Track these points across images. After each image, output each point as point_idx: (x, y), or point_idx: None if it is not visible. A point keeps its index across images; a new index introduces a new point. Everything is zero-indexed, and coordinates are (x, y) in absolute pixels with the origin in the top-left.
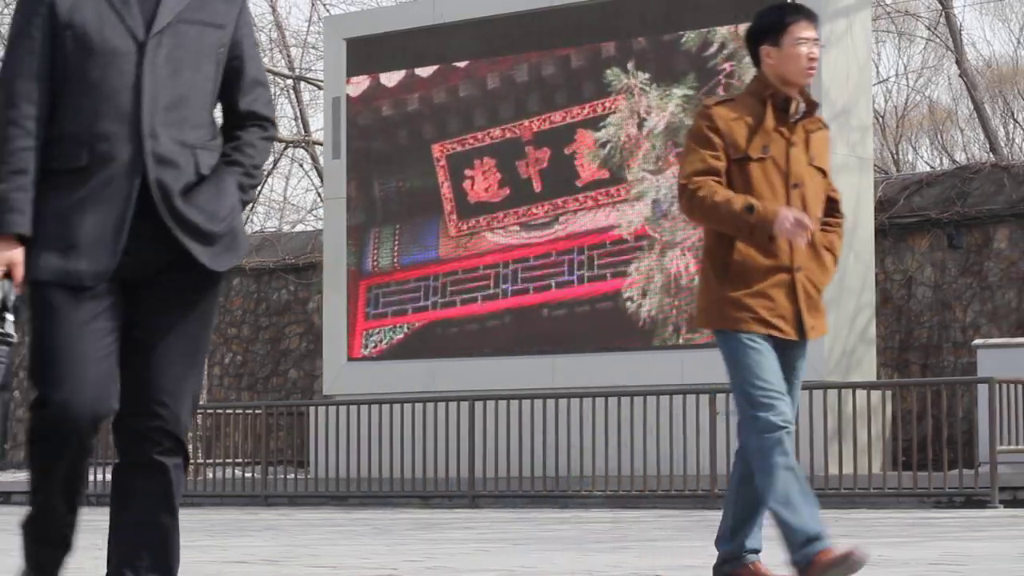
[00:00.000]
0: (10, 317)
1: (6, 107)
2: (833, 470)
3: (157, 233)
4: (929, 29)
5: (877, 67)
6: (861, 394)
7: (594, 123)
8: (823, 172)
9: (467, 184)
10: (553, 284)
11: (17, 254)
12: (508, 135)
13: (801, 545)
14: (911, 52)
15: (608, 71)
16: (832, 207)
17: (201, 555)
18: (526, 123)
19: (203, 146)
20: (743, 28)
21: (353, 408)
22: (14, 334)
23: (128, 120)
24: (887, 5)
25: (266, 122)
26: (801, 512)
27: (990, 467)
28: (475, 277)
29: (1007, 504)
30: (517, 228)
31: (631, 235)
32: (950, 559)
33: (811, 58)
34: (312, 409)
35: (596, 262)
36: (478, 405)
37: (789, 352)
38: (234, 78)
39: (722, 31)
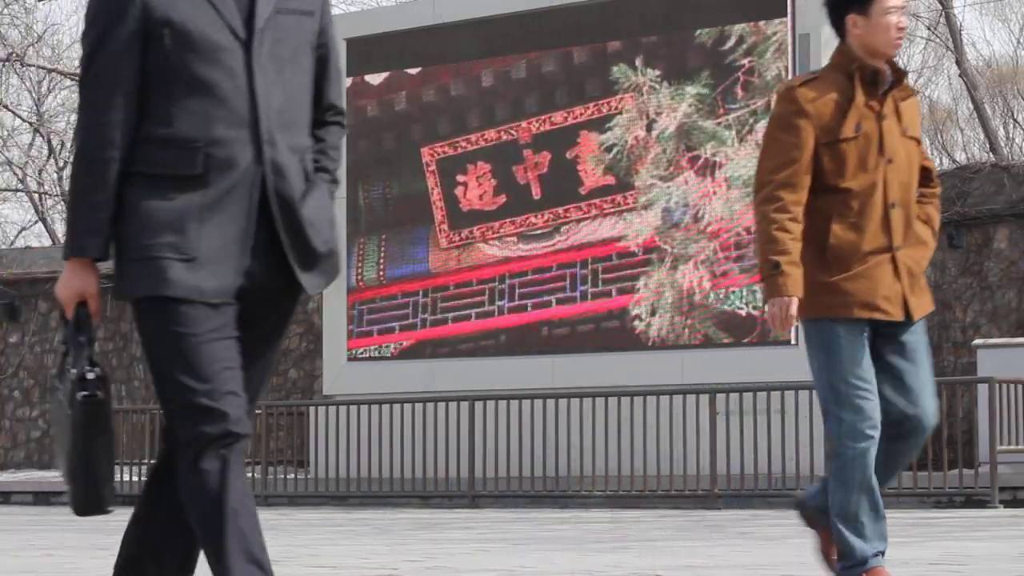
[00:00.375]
0: (91, 374)
1: (89, 113)
2: None
3: (267, 249)
4: (929, 29)
5: None
6: None
7: (599, 124)
8: (916, 141)
9: (459, 191)
10: (554, 301)
11: (90, 283)
12: (504, 137)
13: (851, 564)
14: (911, 52)
15: (614, 68)
16: (926, 177)
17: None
18: (524, 124)
19: (308, 150)
20: (763, 24)
21: (353, 408)
22: (98, 388)
23: (246, 125)
24: None
25: (343, 117)
26: (864, 531)
27: (990, 467)
28: (468, 293)
29: (1007, 504)
30: (514, 239)
31: (639, 247)
32: (950, 559)
33: (900, 28)
34: (312, 409)
35: (600, 277)
36: (478, 405)
37: (895, 335)
38: (322, 69)
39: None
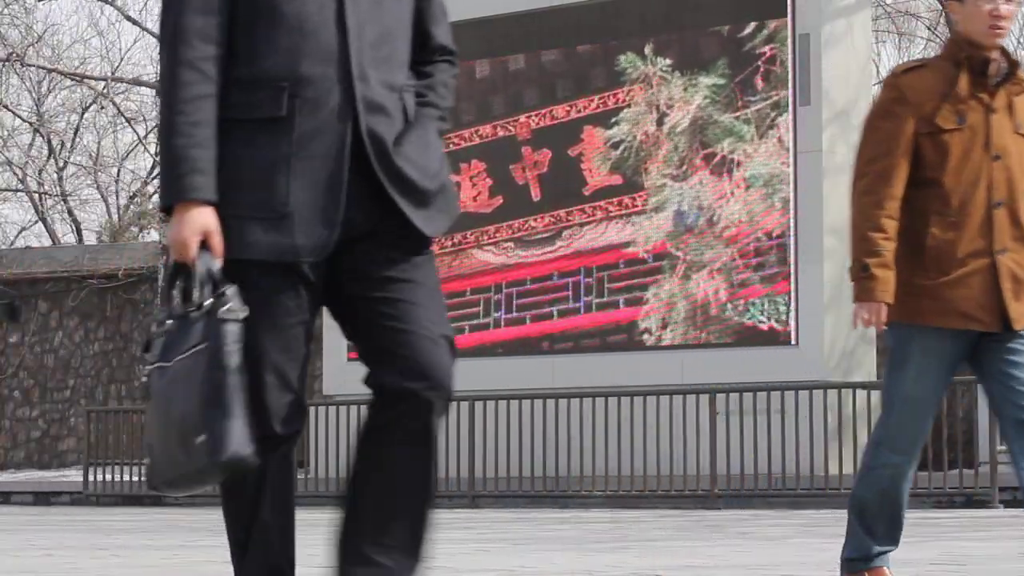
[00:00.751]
0: (230, 291)
1: (178, 47)
2: (833, 470)
3: (368, 192)
4: (929, 29)
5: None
6: (861, 394)
7: (604, 119)
8: None
9: None
10: (555, 312)
11: (210, 219)
12: (501, 133)
13: (855, 558)
14: (911, 52)
15: (621, 57)
16: None
17: (203, 555)
18: (523, 119)
19: (408, 88)
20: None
21: (353, 408)
22: (241, 308)
23: (334, 60)
24: (887, 5)
25: (454, 57)
26: (876, 530)
27: (990, 467)
28: (461, 303)
29: (1007, 504)
30: (512, 245)
31: (648, 254)
32: (950, 559)
33: (996, 15)
34: (312, 409)
35: (607, 286)
36: (478, 405)
37: (996, 346)
38: (425, 5)
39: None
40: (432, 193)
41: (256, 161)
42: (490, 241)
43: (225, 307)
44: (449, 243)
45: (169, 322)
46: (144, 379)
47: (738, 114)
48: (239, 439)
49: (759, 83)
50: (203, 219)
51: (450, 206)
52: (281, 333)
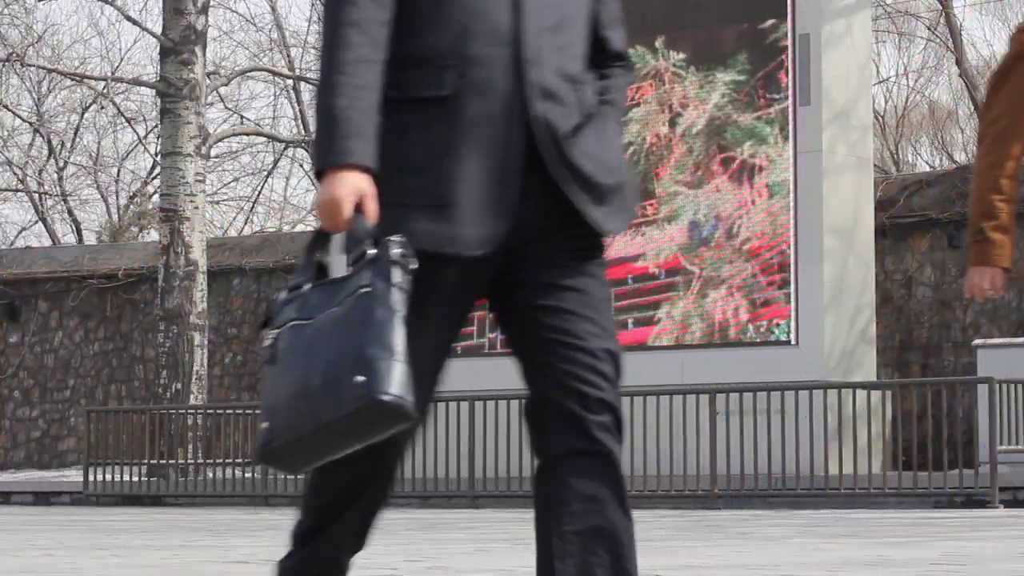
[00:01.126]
0: (398, 239)
1: (344, 6)
2: (833, 470)
3: (539, 185)
4: (929, 29)
5: (877, 67)
6: (861, 394)
7: None
8: None
9: None
10: None
11: (367, 183)
12: None
13: None
14: (911, 52)
15: (630, 51)
16: None
17: (203, 555)
18: None
19: (586, 81)
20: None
21: None
22: (412, 257)
23: (506, 42)
24: (887, 5)
25: (630, 65)
26: None
27: (990, 467)
28: None
29: (1007, 504)
30: None
31: (660, 269)
32: (950, 559)
33: None
34: None
35: (614, 304)
36: (478, 405)
37: None
38: (600, 8)
39: None
40: (611, 189)
41: (417, 144)
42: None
43: (395, 251)
44: None
45: (307, 286)
46: (267, 344)
47: (760, 114)
48: (404, 382)
49: (783, 79)
50: (359, 181)
51: (629, 205)
52: (431, 328)
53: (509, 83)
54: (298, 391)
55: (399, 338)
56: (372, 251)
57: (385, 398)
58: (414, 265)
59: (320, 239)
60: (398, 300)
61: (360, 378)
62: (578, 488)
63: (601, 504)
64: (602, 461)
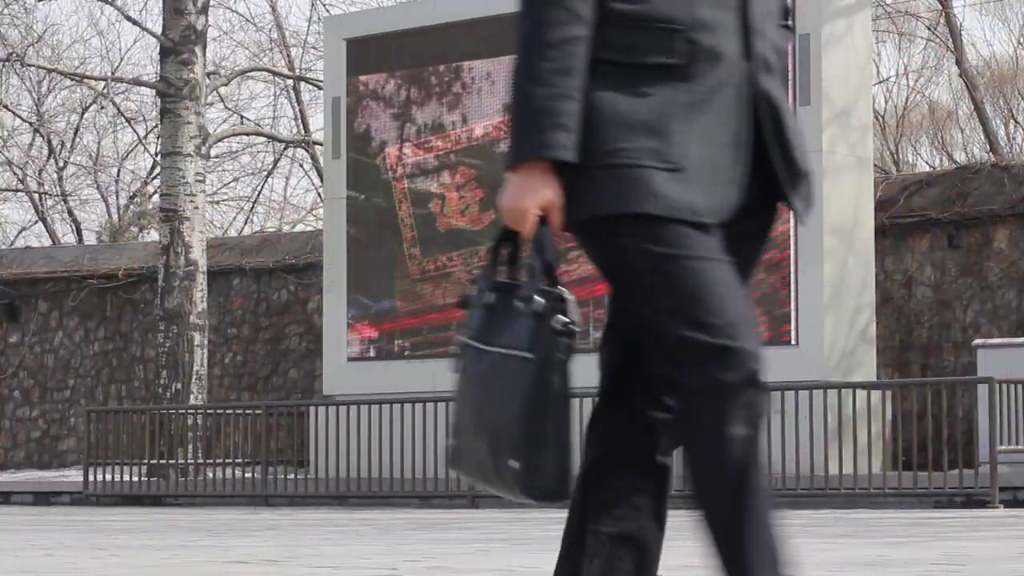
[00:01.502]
0: (568, 297)
1: None
2: (833, 470)
3: (754, 162)
4: (929, 29)
5: (877, 67)
6: (861, 394)
7: None
8: None
9: (434, 205)
10: None
11: (556, 192)
12: (494, 135)
13: None
14: (911, 52)
15: None
16: None
17: (203, 555)
18: None
19: (786, 51)
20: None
21: (353, 408)
22: (578, 321)
23: (733, 6)
24: (887, 5)
25: (792, 25)
26: None
27: (990, 467)
28: (446, 339)
29: (1007, 504)
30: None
31: None
32: (950, 559)
33: None
34: (312, 409)
35: None
36: None
37: None
38: None
39: None
40: (805, 175)
41: (649, 107)
42: (481, 264)
43: (559, 316)
44: (432, 266)
45: (491, 295)
46: (458, 346)
47: None
48: (554, 476)
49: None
50: (549, 191)
51: (812, 192)
52: (701, 274)
53: (737, 51)
54: (470, 432)
55: (552, 424)
56: (539, 302)
57: (533, 497)
58: (579, 329)
59: (505, 238)
60: (558, 376)
61: (515, 465)
62: (628, 495)
63: (640, 513)
64: (662, 476)
